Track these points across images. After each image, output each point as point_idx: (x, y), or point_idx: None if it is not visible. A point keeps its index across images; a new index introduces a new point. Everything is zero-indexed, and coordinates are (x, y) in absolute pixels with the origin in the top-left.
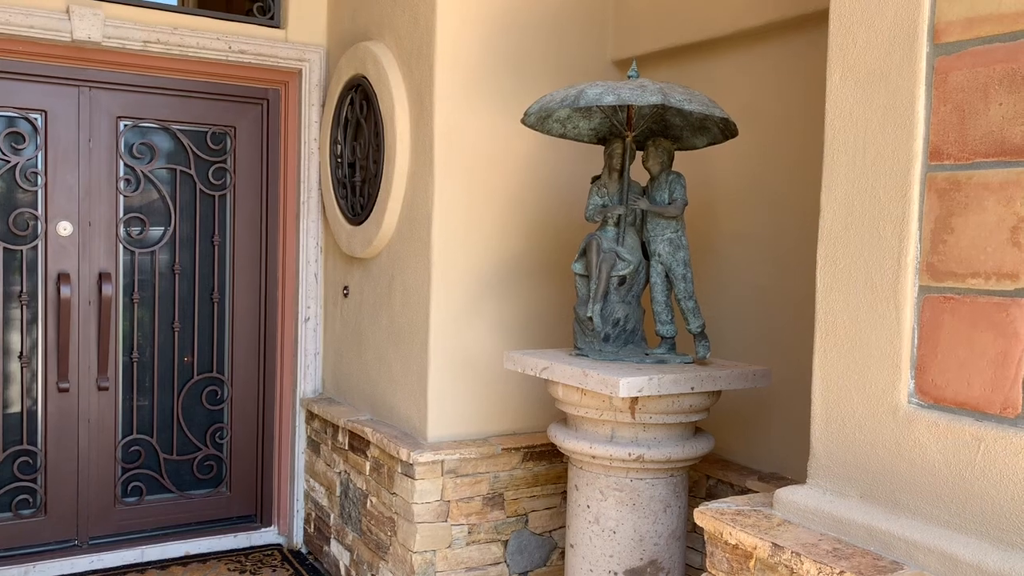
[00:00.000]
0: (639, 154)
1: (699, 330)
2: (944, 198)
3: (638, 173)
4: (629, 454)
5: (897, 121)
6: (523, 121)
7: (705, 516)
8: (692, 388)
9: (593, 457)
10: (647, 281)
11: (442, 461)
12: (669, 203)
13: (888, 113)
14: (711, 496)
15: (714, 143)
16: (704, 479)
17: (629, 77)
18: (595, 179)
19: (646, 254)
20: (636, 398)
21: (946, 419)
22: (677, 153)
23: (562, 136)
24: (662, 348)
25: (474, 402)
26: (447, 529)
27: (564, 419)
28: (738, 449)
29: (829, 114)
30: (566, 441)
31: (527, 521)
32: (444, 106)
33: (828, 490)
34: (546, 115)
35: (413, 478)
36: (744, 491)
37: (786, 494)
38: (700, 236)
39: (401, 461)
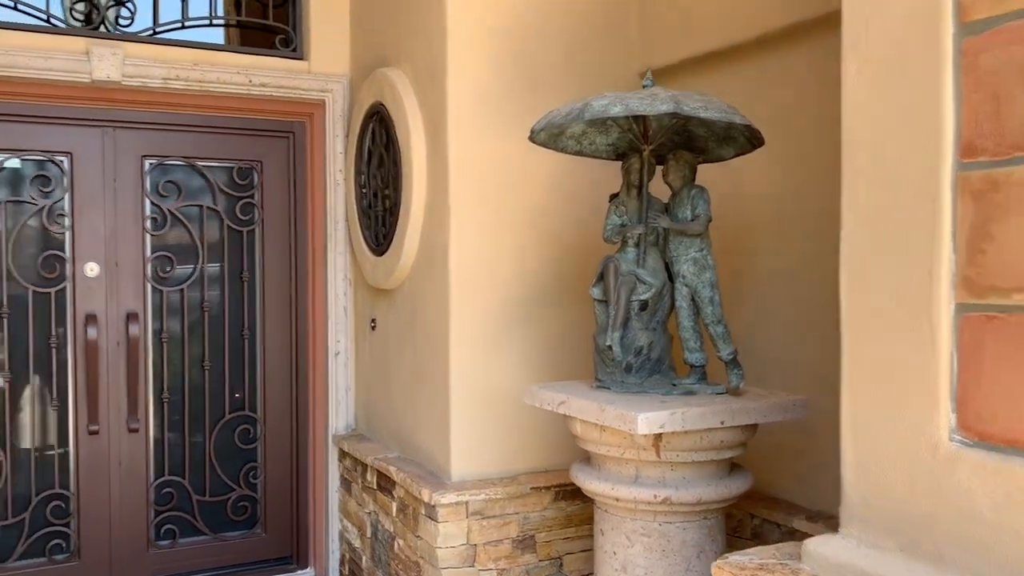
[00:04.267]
0: (660, 169)
1: (730, 357)
2: (980, 201)
3: (661, 190)
4: (655, 496)
5: (921, 114)
6: (531, 139)
7: (723, 571)
8: (722, 422)
9: (616, 499)
10: (672, 305)
11: (466, 502)
12: (692, 219)
13: (910, 106)
14: (756, 537)
15: (742, 153)
16: (748, 518)
17: (644, 87)
18: (613, 197)
19: (670, 276)
20: (660, 435)
21: (994, 459)
22: (705, 166)
23: (578, 153)
24: (691, 378)
25: (500, 438)
26: (475, 575)
27: (587, 457)
28: (785, 484)
29: (845, 111)
30: (588, 482)
31: (562, 565)
32: (459, 131)
33: (863, 541)
34: (558, 132)
35: (436, 520)
36: (791, 531)
37: (815, 545)
38: (729, 254)
39: (424, 503)
